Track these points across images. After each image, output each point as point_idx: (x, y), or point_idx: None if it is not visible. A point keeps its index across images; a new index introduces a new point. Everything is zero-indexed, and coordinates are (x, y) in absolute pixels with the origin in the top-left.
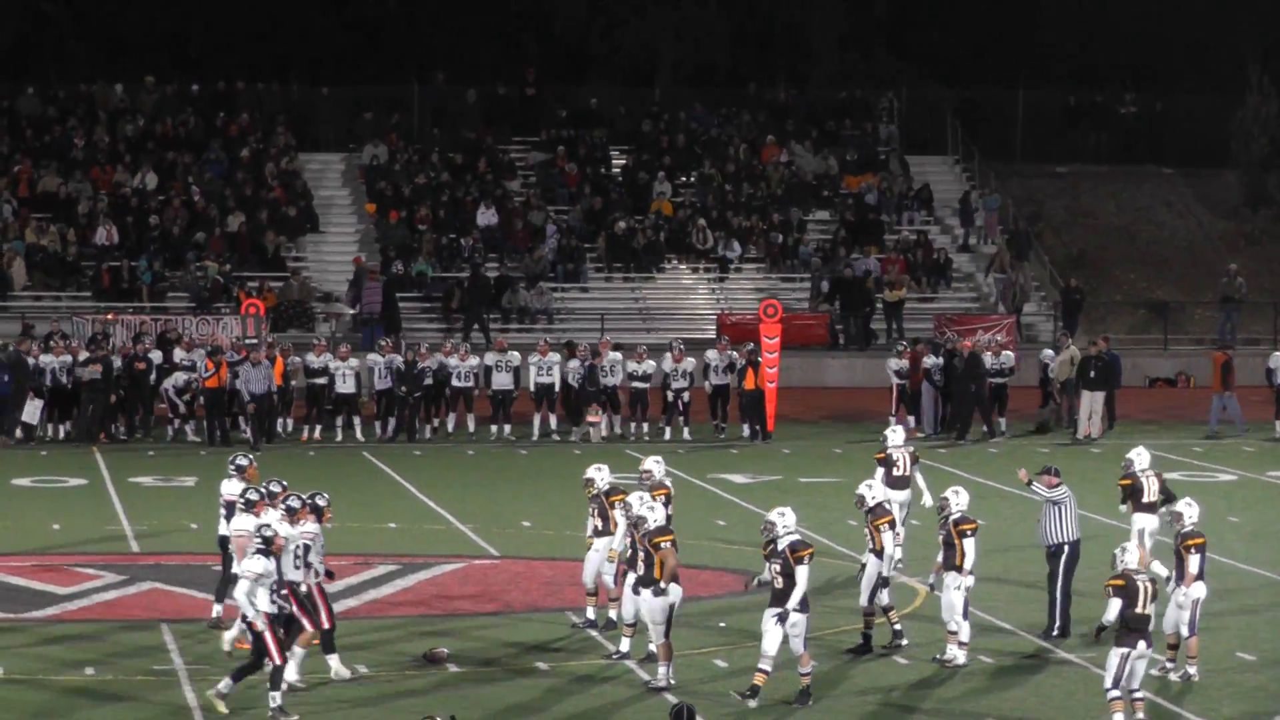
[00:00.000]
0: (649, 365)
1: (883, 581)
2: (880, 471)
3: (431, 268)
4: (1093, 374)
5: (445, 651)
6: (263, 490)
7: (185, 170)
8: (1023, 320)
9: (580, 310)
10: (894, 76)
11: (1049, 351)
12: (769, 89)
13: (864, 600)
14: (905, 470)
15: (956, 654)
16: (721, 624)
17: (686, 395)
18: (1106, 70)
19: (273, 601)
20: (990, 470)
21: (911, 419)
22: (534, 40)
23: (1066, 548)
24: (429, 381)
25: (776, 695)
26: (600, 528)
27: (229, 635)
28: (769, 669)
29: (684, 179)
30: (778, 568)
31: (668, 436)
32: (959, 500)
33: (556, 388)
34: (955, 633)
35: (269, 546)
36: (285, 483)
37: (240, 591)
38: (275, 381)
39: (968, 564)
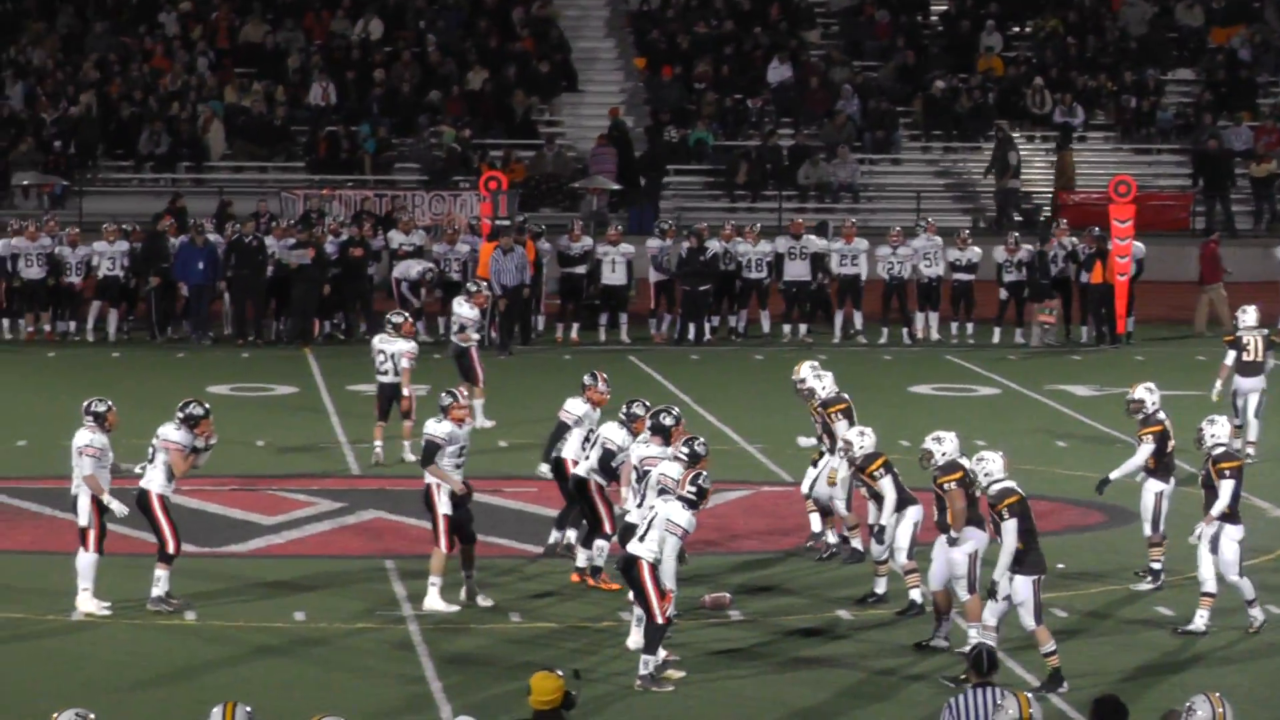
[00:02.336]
0: (974, 253)
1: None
2: (1230, 355)
3: (713, 135)
4: None
5: (728, 597)
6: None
7: (417, 17)
8: None
9: (890, 186)
10: None
11: None
12: None
13: (1148, 529)
14: (1258, 355)
15: (1199, 621)
16: (1060, 565)
17: (1026, 291)
18: None
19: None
20: None
21: None
22: None
23: None
24: (728, 267)
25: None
26: (829, 445)
27: None
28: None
29: (1017, 30)
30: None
31: (996, 339)
32: (1214, 430)
33: (862, 278)
34: (1212, 595)
35: (701, 498)
36: (648, 403)
37: (670, 556)
38: (529, 271)
39: (1215, 509)
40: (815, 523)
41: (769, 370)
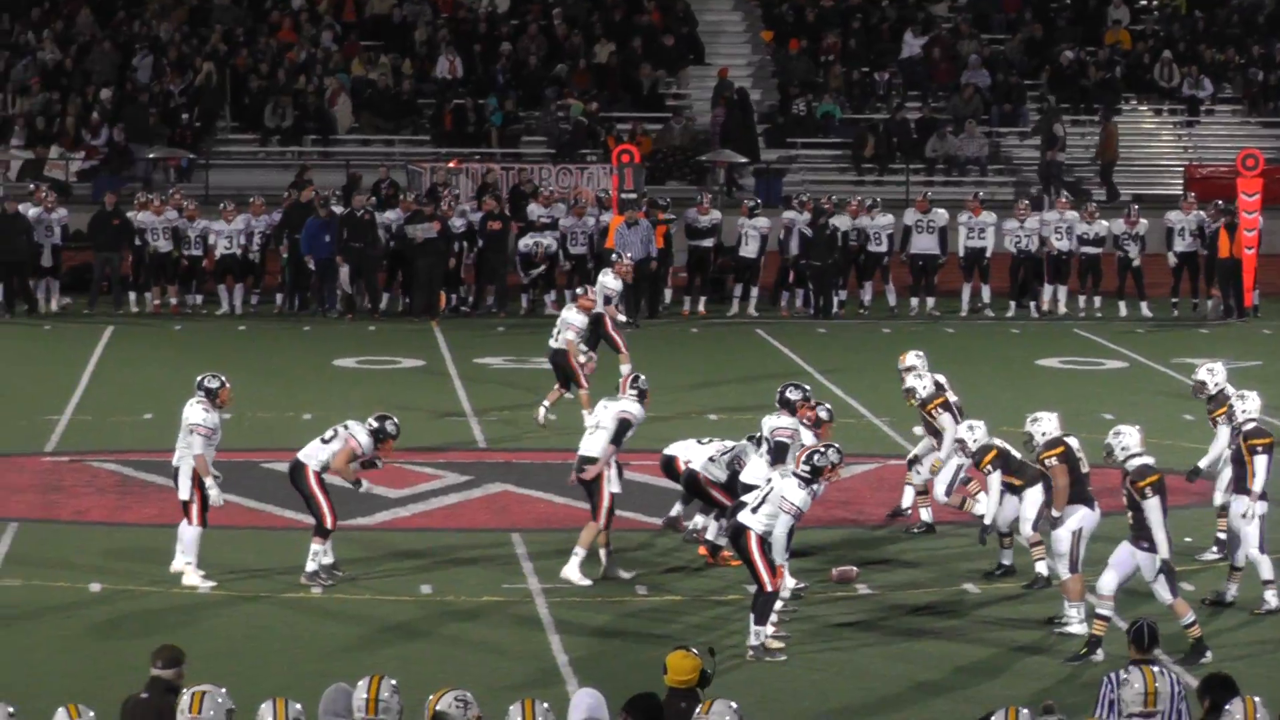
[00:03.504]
0: (1101, 226)
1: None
2: None
3: (840, 108)
4: None
5: (855, 571)
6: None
7: None
8: None
9: (1019, 160)
10: None
11: None
12: None
13: (1219, 498)
14: None
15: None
16: (1188, 539)
17: (1136, 262)
18: None
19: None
20: None
21: None
22: None
23: None
24: (855, 242)
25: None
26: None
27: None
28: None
29: (1144, 3)
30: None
31: (1122, 313)
32: (1244, 406)
33: (988, 252)
34: (1240, 569)
35: (816, 476)
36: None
37: (781, 535)
38: (656, 244)
39: (1256, 486)
40: (908, 496)
41: (896, 343)
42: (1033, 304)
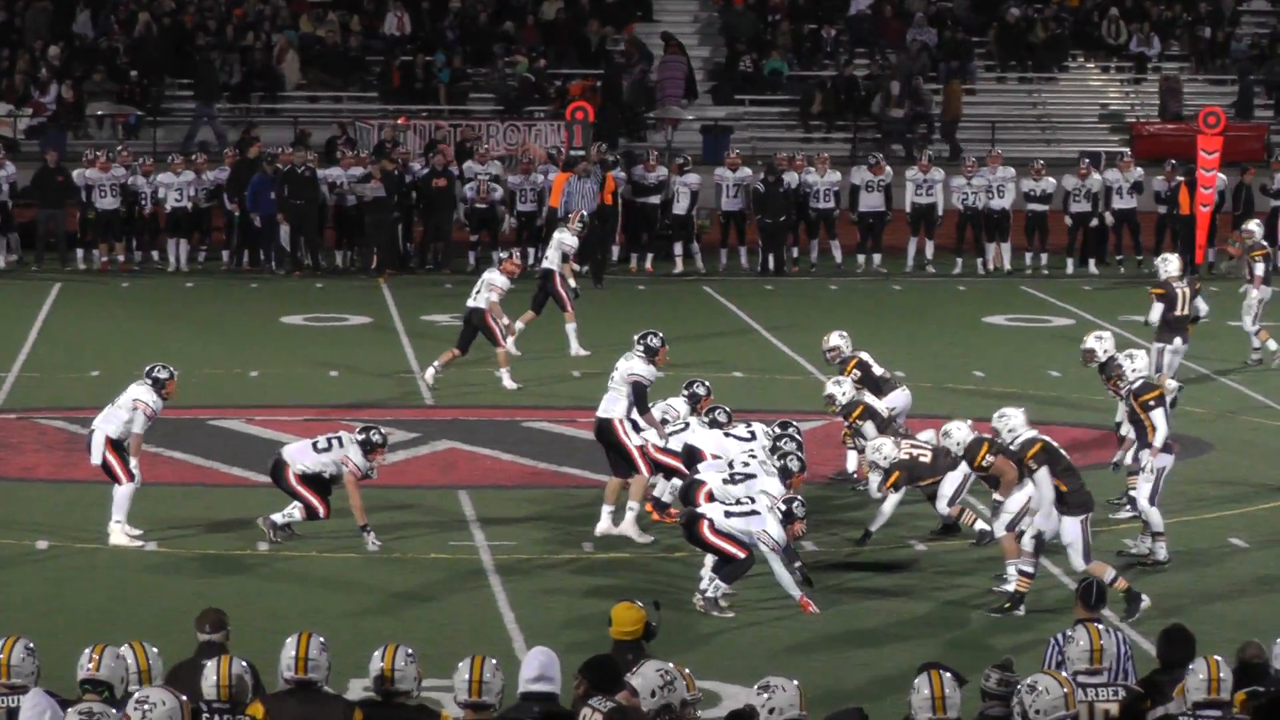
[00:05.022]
0: (1048, 184)
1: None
2: (1157, 309)
3: (788, 65)
4: None
5: (802, 528)
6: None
7: None
8: None
9: (966, 117)
10: None
11: None
12: None
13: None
14: (1184, 308)
15: (1150, 547)
16: (1110, 499)
17: (1099, 220)
18: None
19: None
20: None
21: None
22: None
23: None
24: (801, 197)
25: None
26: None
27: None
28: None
29: None
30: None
31: (1070, 270)
32: (1134, 365)
33: (939, 209)
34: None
35: (788, 521)
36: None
37: (778, 568)
38: (605, 200)
39: (1157, 440)
40: (851, 460)
41: (844, 300)
42: (979, 260)
